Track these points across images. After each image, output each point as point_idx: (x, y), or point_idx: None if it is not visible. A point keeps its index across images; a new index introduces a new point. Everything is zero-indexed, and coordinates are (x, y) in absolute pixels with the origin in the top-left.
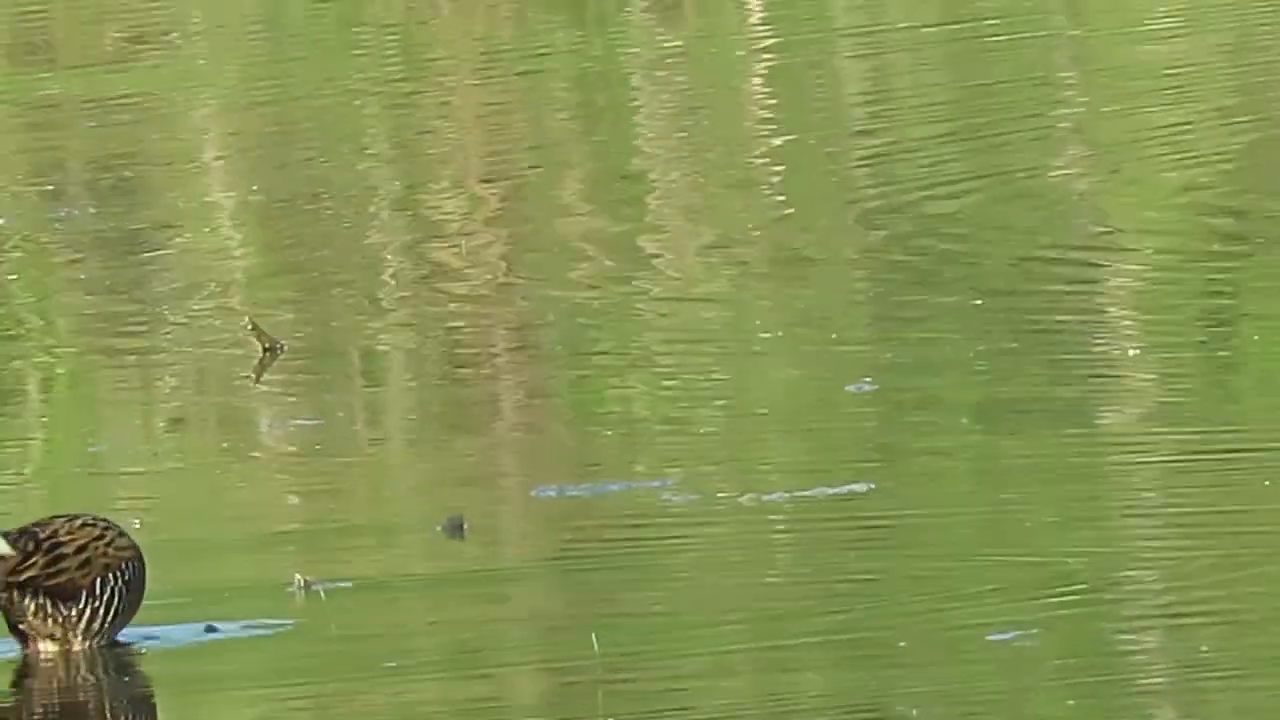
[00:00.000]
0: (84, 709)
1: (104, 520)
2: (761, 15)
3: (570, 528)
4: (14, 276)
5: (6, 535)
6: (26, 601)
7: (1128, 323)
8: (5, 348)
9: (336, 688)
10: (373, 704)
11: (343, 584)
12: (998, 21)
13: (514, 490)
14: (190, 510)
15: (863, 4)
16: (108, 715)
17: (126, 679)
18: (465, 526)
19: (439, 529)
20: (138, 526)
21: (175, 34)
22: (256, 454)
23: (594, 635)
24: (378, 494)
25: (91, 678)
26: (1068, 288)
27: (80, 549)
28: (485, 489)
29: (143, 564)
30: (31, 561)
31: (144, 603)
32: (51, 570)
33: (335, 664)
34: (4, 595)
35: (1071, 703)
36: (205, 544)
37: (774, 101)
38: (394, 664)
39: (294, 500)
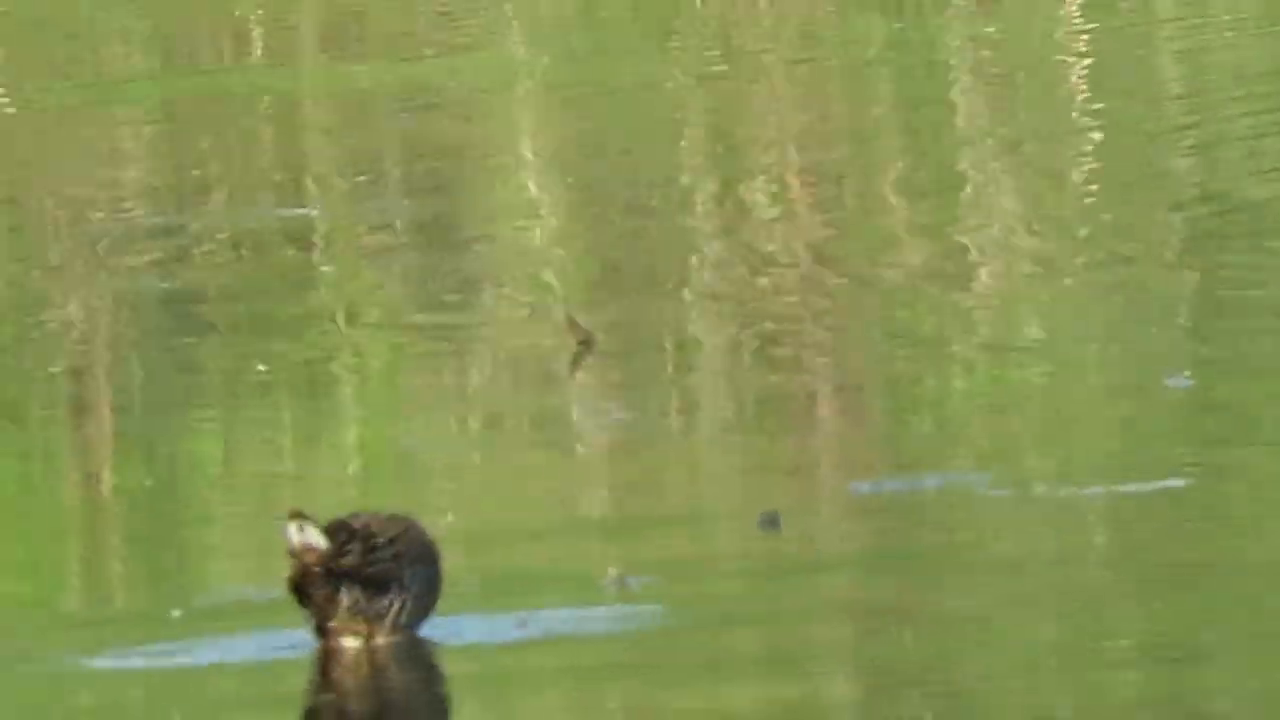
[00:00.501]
0: (389, 705)
1: (406, 515)
2: (1079, 3)
3: (886, 523)
4: (327, 268)
5: (319, 527)
6: (342, 594)
7: None
8: (319, 341)
9: (650, 688)
10: (689, 707)
11: (656, 579)
12: None
13: (830, 484)
14: (503, 503)
15: None
16: (411, 712)
17: (430, 674)
18: (781, 521)
19: (756, 524)
20: (449, 520)
21: (489, 23)
22: (571, 447)
23: (908, 633)
24: (692, 487)
25: (397, 673)
26: None
27: (391, 540)
28: (801, 483)
29: (440, 558)
30: (349, 548)
31: (457, 595)
32: (368, 559)
33: (648, 662)
34: (320, 593)
35: None
36: (517, 537)
37: (1091, 93)
38: (708, 662)
39: (607, 493)
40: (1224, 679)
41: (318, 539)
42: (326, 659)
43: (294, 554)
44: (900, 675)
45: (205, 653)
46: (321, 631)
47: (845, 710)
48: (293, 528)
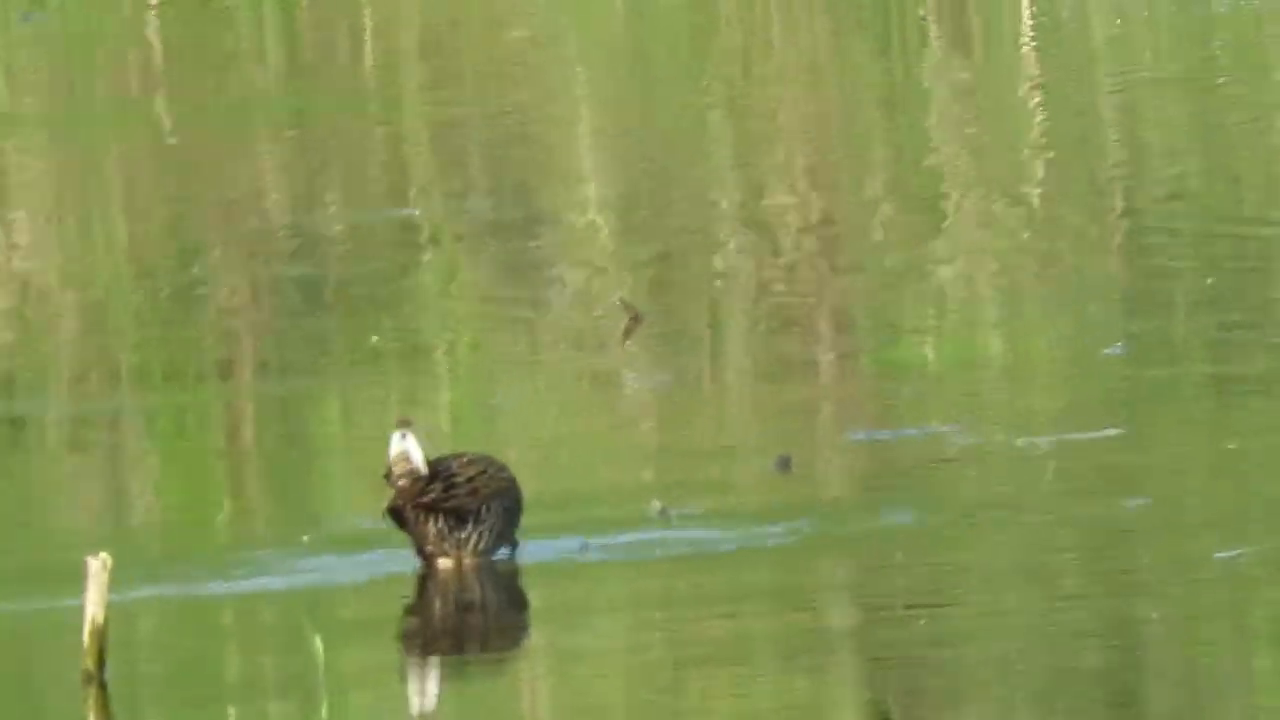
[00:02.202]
0: (475, 607)
1: (488, 457)
2: (1033, 42)
3: (877, 465)
4: (426, 258)
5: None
6: (429, 523)
7: None
8: (420, 318)
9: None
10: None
11: (692, 509)
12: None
13: (831, 434)
14: (568, 449)
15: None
16: (491, 613)
17: (508, 590)
18: (792, 463)
19: (771, 465)
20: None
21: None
22: (622, 404)
23: (897, 553)
24: (721, 436)
25: (479, 585)
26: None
27: (469, 480)
28: (808, 432)
29: (519, 492)
30: (431, 487)
31: (531, 523)
32: (446, 496)
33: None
34: (412, 516)
35: None
36: (580, 476)
37: (1044, 119)
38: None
39: (652, 441)
40: (1148, 583)
41: (415, 449)
42: (425, 576)
43: (388, 470)
44: (888, 592)
45: (330, 571)
46: (420, 553)
47: (841, 597)
48: (397, 435)
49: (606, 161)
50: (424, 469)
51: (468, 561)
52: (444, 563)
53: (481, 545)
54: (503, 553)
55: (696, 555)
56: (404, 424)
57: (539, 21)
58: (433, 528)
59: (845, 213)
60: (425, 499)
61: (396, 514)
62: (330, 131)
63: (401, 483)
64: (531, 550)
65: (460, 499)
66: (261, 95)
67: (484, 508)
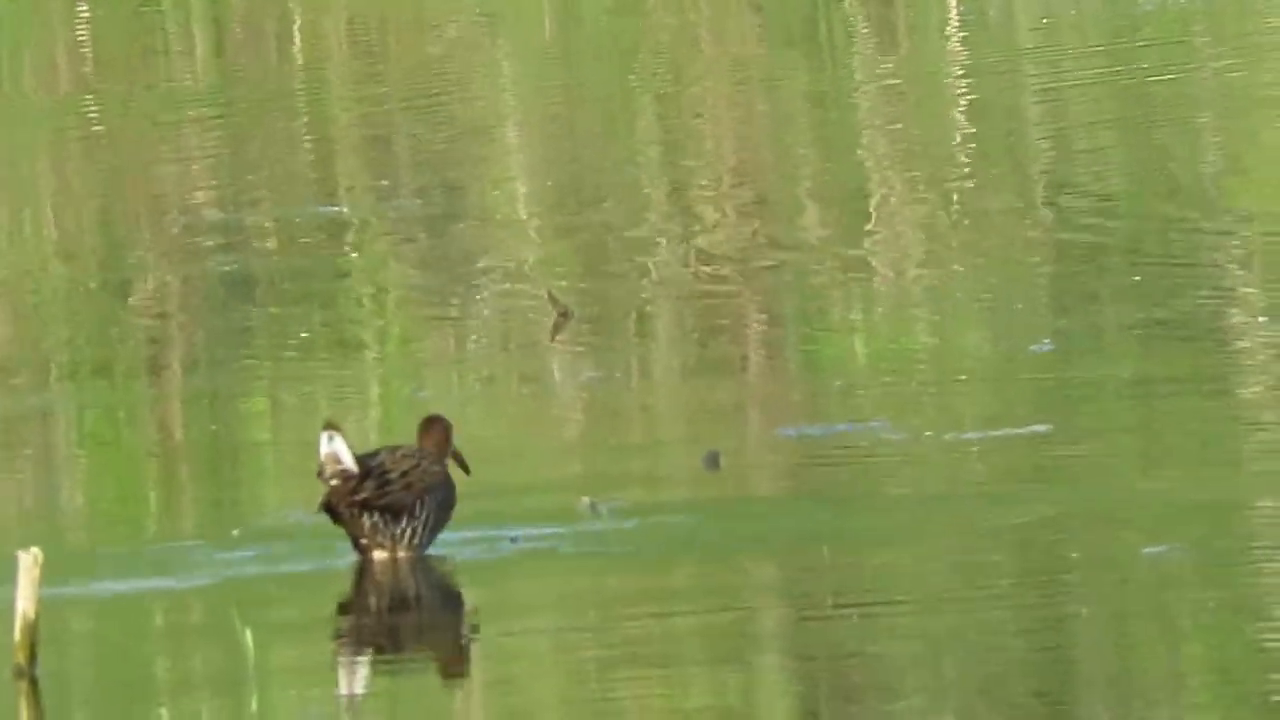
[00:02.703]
0: (409, 604)
1: (420, 450)
2: (960, 38)
3: (806, 461)
4: (355, 255)
5: (347, 442)
6: (363, 518)
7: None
8: (349, 312)
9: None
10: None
11: (620, 503)
12: (1154, 66)
13: (760, 430)
14: (496, 444)
15: (1044, 30)
16: (424, 609)
17: (440, 581)
18: (721, 460)
19: (700, 461)
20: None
21: (482, 48)
22: (550, 401)
23: (825, 548)
24: (650, 433)
25: (413, 580)
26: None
27: (403, 474)
28: (737, 428)
29: (453, 485)
30: (364, 485)
31: (462, 518)
32: (380, 493)
33: (610, 583)
34: (346, 512)
35: (1211, 604)
36: (509, 471)
37: (968, 119)
38: (659, 568)
39: (581, 437)
40: (1076, 579)
41: (344, 451)
42: (360, 569)
43: (320, 468)
44: (818, 574)
45: (260, 565)
46: (356, 546)
47: (770, 593)
48: (325, 437)
49: (534, 158)
50: (354, 469)
51: (403, 555)
52: (379, 555)
53: (416, 540)
54: (432, 545)
55: (625, 552)
56: (331, 427)
57: (466, 19)
58: (367, 522)
59: (773, 208)
60: (359, 497)
61: (331, 510)
62: (258, 128)
63: (334, 482)
64: (462, 545)
65: (395, 494)
66: (190, 92)
67: (418, 502)
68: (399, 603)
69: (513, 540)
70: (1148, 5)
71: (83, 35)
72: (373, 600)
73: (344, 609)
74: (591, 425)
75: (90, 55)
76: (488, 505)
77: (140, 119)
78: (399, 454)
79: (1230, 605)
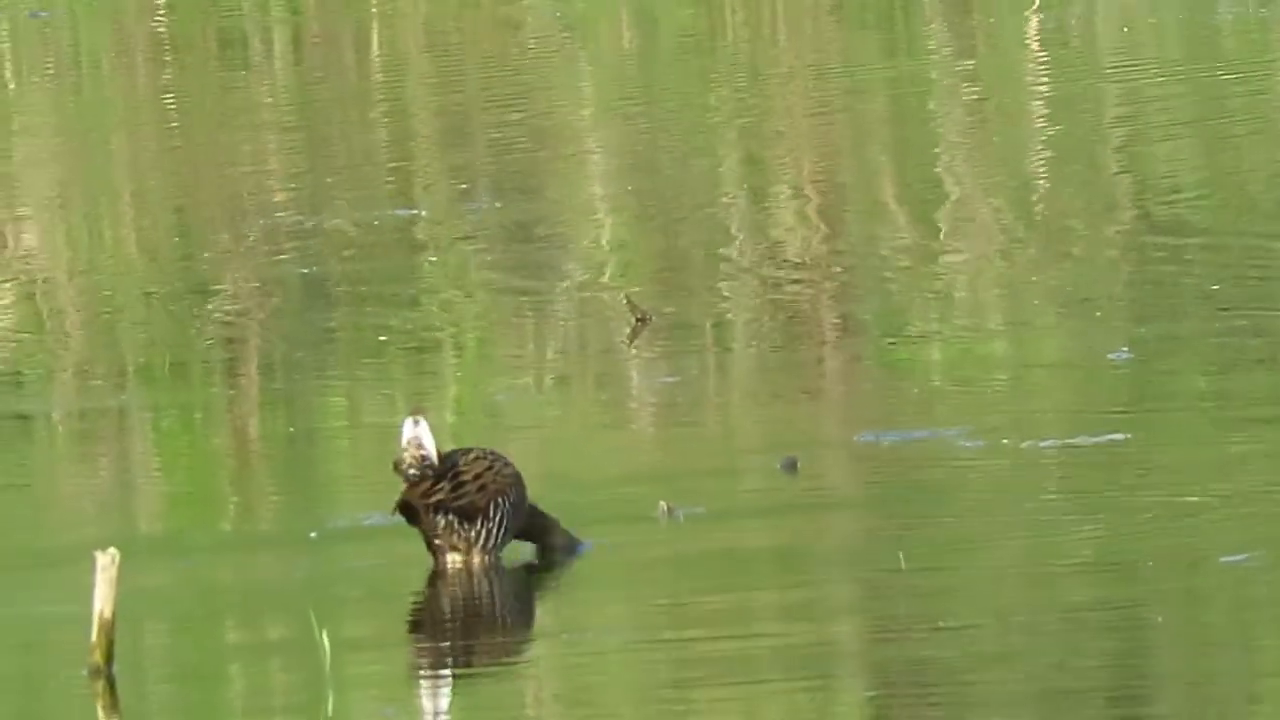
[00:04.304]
0: (483, 607)
1: (493, 452)
2: (1039, 44)
3: (884, 466)
4: (433, 258)
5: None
6: (438, 519)
7: None
8: (428, 316)
9: (686, 596)
10: (715, 605)
11: (699, 511)
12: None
13: (839, 436)
14: (573, 447)
15: (1124, 37)
16: (500, 613)
17: (513, 585)
18: (799, 465)
19: (778, 467)
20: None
21: (560, 51)
22: (628, 405)
23: (900, 554)
24: (727, 437)
25: (488, 583)
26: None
27: (477, 476)
28: (816, 434)
29: (523, 487)
30: (439, 486)
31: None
32: (455, 495)
33: (687, 581)
34: (422, 513)
35: None
36: (585, 475)
37: (1047, 117)
38: (737, 575)
39: (658, 441)
40: (1153, 589)
41: (427, 437)
42: (434, 571)
43: (396, 461)
44: (893, 584)
45: (336, 567)
46: (430, 547)
47: (849, 609)
48: (410, 421)
49: (613, 163)
50: (435, 457)
51: (477, 559)
52: (453, 558)
53: (490, 542)
54: (506, 548)
55: (701, 558)
56: (417, 412)
57: (544, 23)
58: (442, 522)
59: (852, 213)
60: (433, 498)
61: (406, 509)
62: (336, 130)
63: (411, 471)
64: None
65: (470, 496)
66: (269, 92)
67: (491, 504)
68: (471, 607)
69: (587, 548)
70: (1227, 14)
71: (161, 31)
72: (446, 600)
73: (417, 612)
74: (669, 430)
75: (169, 55)
76: (564, 509)
77: (218, 120)
78: (472, 456)
79: None
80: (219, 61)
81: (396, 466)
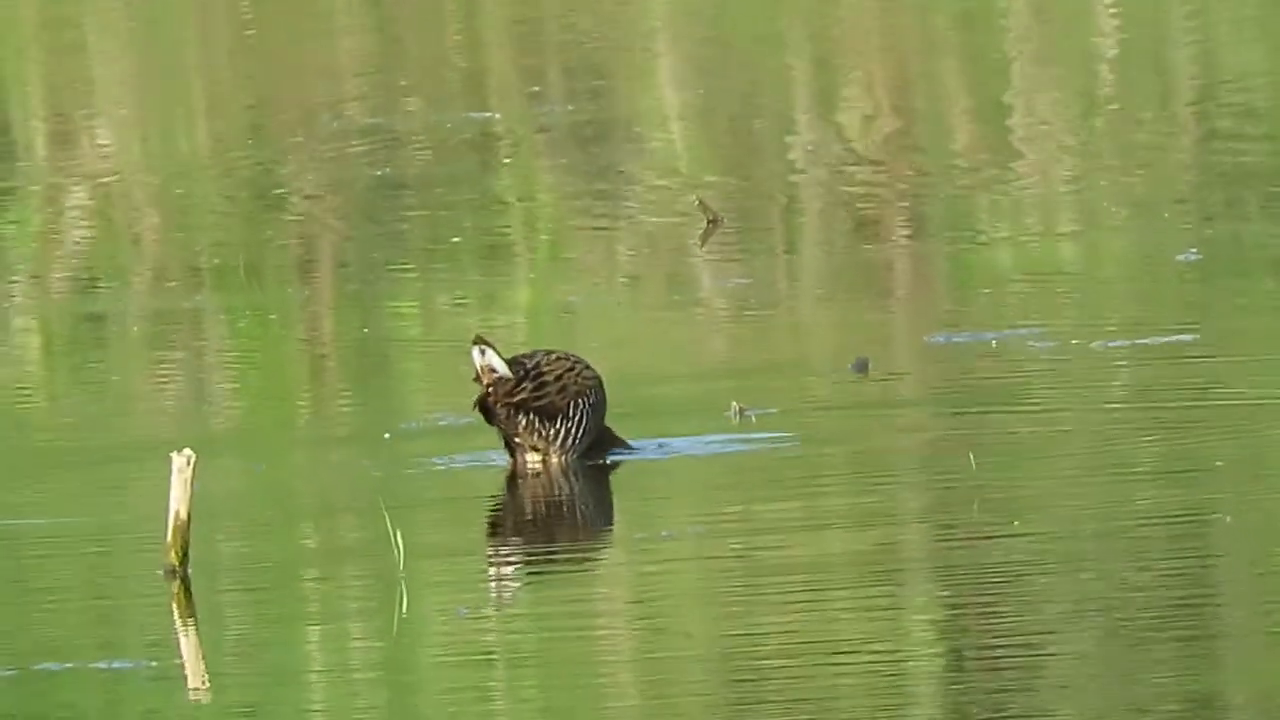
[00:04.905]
0: (561, 508)
1: (574, 355)
2: None
3: (954, 368)
4: (508, 160)
5: (499, 353)
6: (519, 418)
7: None
8: (501, 218)
9: (759, 501)
10: (787, 509)
11: (770, 411)
12: None
13: (909, 337)
14: (646, 349)
15: None
16: (579, 514)
17: (585, 483)
18: (870, 366)
19: (849, 368)
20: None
21: None
22: (700, 306)
23: (970, 454)
24: (798, 338)
25: (566, 484)
26: None
27: (558, 378)
28: (886, 335)
29: (604, 390)
30: (522, 386)
31: (611, 421)
32: (537, 394)
33: (760, 479)
34: (502, 413)
35: None
36: (658, 376)
37: (1115, 31)
38: (808, 477)
39: (730, 342)
40: (1223, 493)
41: (497, 361)
42: (513, 470)
43: (477, 374)
44: (963, 489)
45: (408, 465)
46: (509, 447)
47: (915, 516)
48: (476, 351)
49: (685, 68)
50: (510, 376)
51: (555, 459)
52: (533, 458)
53: (569, 442)
54: (585, 448)
55: (774, 457)
56: (481, 342)
57: None
58: (523, 420)
59: (922, 121)
60: (516, 398)
61: (486, 410)
62: (411, 33)
63: (489, 379)
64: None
65: (551, 397)
66: None
67: (572, 404)
68: (548, 508)
69: (659, 448)
70: None
71: None
72: (524, 505)
73: (492, 513)
74: (740, 332)
75: None
76: (639, 412)
77: (292, 16)
78: (554, 357)
79: None
80: None
81: (476, 380)
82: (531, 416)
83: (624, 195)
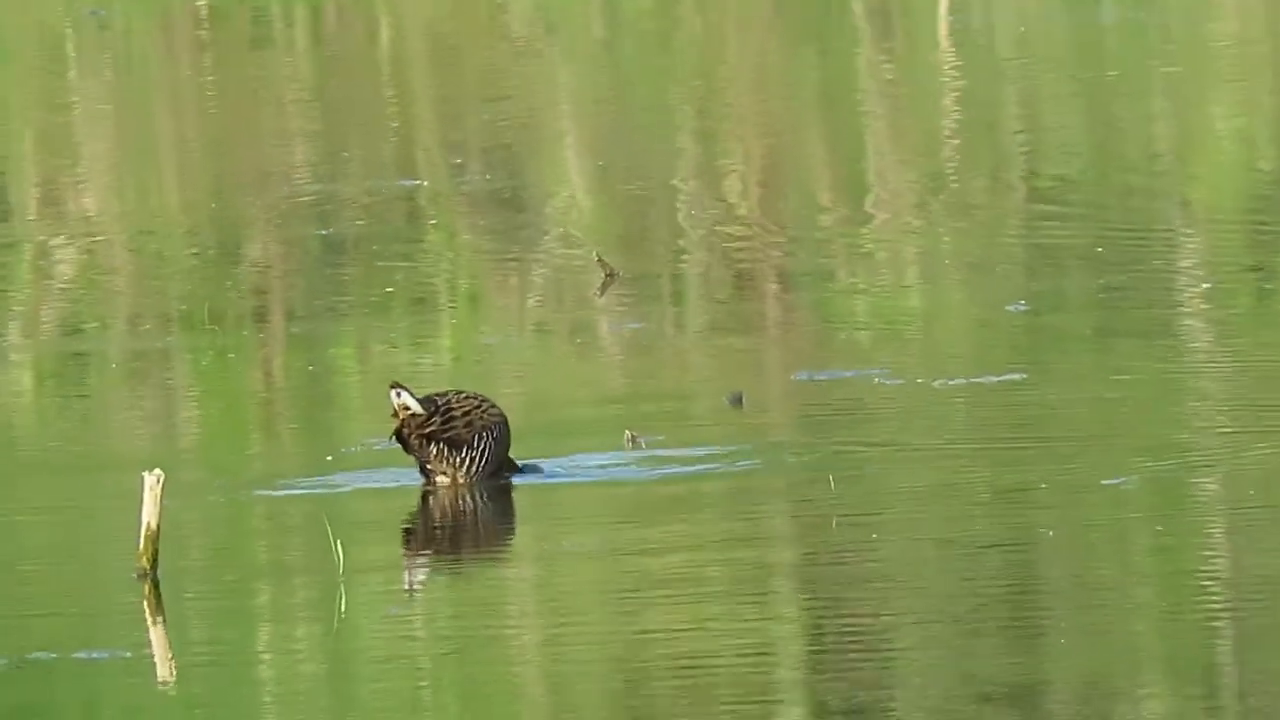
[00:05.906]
0: (467, 523)
1: (482, 395)
2: (949, 42)
3: (816, 401)
4: (433, 222)
5: (420, 400)
6: (430, 447)
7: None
8: (427, 270)
9: (642, 522)
10: (672, 527)
11: (658, 438)
12: (1116, 68)
13: (777, 374)
14: (551, 384)
15: (1020, 36)
16: (481, 528)
17: (496, 504)
18: (744, 399)
19: (725, 400)
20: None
21: (540, 46)
22: (599, 348)
23: (830, 478)
24: (681, 375)
25: (471, 502)
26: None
27: (465, 414)
28: (758, 373)
29: (507, 427)
30: (432, 420)
31: (519, 447)
32: (445, 427)
33: (650, 498)
34: (415, 443)
35: (1159, 528)
36: (562, 408)
37: (956, 106)
38: (690, 497)
39: (624, 378)
40: (1048, 513)
41: (411, 400)
42: (426, 490)
43: (394, 412)
44: (823, 509)
45: (348, 484)
46: (423, 471)
47: (780, 531)
48: (393, 393)
49: (585, 142)
50: (422, 412)
51: (462, 480)
52: (442, 479)
53: (474, 470)
54: (489, 474)
55: (662, 478)
56: (397, 385)
57: (527, 22)
58: (433, 450)
59: (790, 188)
60: (426, 430)
61: (401, 440)
62: (351, 111)
63: (404, 415)
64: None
65: (457, 430)
66: (291, 78)
67: (476, 438)
68: (456, 516)
69: (565, 471)
70: (1109, 18)
71: (200, 28)
72: (437, 511)
73: (414, 526)
74: (633, 369)
75: (206, 41)
76: (543, 439)
77: (249, 99)
78: (464, 396)
79: (1178, 527)
80: (250, 42)
81: (394, 417)
82: (441, 445)
83: (534, 252)
